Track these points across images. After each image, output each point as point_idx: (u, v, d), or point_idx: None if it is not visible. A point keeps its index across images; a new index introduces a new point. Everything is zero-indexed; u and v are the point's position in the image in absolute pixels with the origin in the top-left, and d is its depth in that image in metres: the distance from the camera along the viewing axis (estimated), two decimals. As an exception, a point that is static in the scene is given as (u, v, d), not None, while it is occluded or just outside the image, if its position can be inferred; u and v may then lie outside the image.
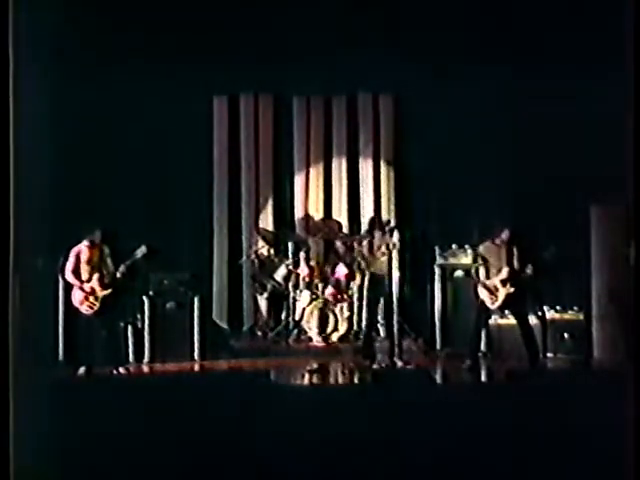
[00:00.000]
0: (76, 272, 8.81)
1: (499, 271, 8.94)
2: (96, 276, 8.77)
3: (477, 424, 6.02)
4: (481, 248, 9.20)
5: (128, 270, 8.85)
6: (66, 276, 8.89)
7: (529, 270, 8.86)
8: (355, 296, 10.84)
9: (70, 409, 6.05)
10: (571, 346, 9.71)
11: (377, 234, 9.69)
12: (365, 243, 10.11)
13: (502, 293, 8.93)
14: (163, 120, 11.00)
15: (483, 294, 9.01)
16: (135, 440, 5.82)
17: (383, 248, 9.56)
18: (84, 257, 8.82)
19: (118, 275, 8.80)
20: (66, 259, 8.89)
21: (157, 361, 9.79)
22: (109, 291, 8.78)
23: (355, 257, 11.06)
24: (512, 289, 8.89)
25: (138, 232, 9.73)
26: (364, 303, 10.39)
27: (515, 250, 8.96)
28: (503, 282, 8.91)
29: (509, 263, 8.92)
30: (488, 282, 8.99)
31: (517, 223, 9.30)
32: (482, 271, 9.08)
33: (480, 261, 9.12)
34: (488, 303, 9.00)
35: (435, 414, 6.23)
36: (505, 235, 9.02)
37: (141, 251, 8.84)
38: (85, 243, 8.85)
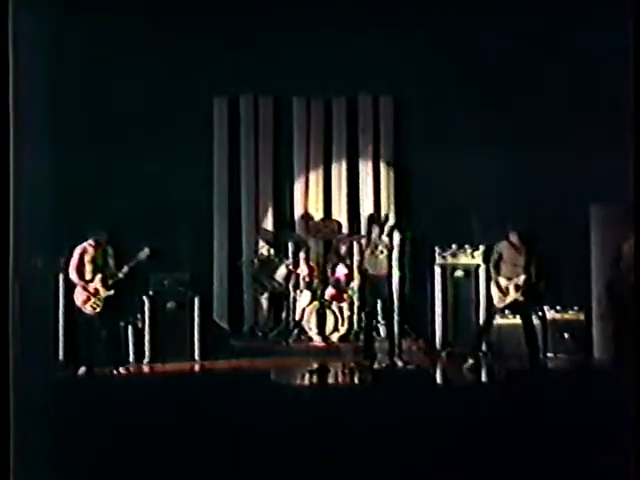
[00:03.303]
0: (79, 271, 8.79)
1: (515, 274, 8.94)
2: (99, 277, 8.76)
3: (477, 424, 6.02)
4: (498, 245, 9.20)
5: (131, 271, 8.85)
6: (70, 274, 8.86)
7: (542, 286, 8.88)
8: (355, 296, 10.85)
9: (70, 409, 6.05)
10: (571, 346, 9.71)
11: (374, 233, 9.68)
12: (363, 242, 10.10)
13: (511, 296, 8.96)
14: (163, 120, 11.00)
15: (493, 291, 9.05)
16: (135, 440, 5.82)
17: (381, 247, 9.56)
18: (88, 256, 8.80)
19: (121, 276, 8.79)
20: (70, 257, 8.87)
21: (157, 361, 9.78)
22: (112, 292, 8.77)
23: (354, 257, 11.07)
24: (522, 298, 8.92)
25: (138, 232, 9.73)
26: (364, 303, 10.38)
27: (534, 258, 8.94)
28: (517, 287, 8.94)
29: (527, 270, 8.92)
30: (502, 281, 9.02)
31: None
32: (493, 269, 9.13)
33: (496, 256, 9.14)
34: (495, 300, 9.05)
35: (435, 414, 6.23)
36: (513, 237, 9.04)
37: (144, 253, 8.84)
38: (90, 242, 8.83)
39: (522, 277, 8.91)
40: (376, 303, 10.01)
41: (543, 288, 9.01)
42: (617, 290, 8.87)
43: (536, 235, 9.22)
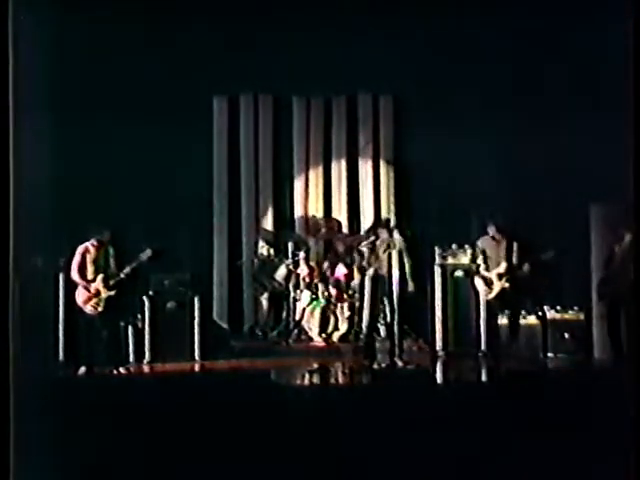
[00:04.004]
0: (81, 271, 8.78)
1: (498, 265, 9.19)
2: (100, 277, 8.76)
3: (477, 424, 6.01)
4: (480, 242, 9.46)
5: (132, 272, 8.85)
6: (71, 274, 8.86)
7: (526, 268, 9.03)
8: (356, 296, 10.83)
9: (70, 409, 6.05)
10: (571, 346, 9.71)
11: (382, 234, 9.70)
12: (367, 242, 10.10)
13: (497, 286, 9.18)
14: (164, 120, 10.99)
15: (480, 286, 9.29)
16: (135, 440, 5.82)
17: (385, 247, 9.57)
18: (90, 257, 8.79)
19: (122, 276, 8.79)
20: (71, 257, 8.86)
21: (157, 361, 9.78)
22: (113, 292, 8.77)
23: (355, 257, 11.06)
24: (507, 284, 9.10)
25: (138, 232, 9.74)
26: (365, 303, 10.39)
27: (515, 246, 9.14)
28: (499, 276, 9.16)
29: (508, 258, 9.10)
30: (485, 274, 9.27)
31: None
32: (482, 265, 9.37)
33: (480, 255, 9.30)
34: (482, 295, 9.32)
35: (435, 414, 6.23)
36: (492, 230, 9.26)
37: (146, 254, 8.84)
38: (92, 242, 8.83)
39: (503, 264, 9.15)
40: (376, 303, 10.01)
41: (527, 271, 9.15)
42: (613, 290, 8.89)
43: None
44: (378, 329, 10.56)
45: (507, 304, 9.31)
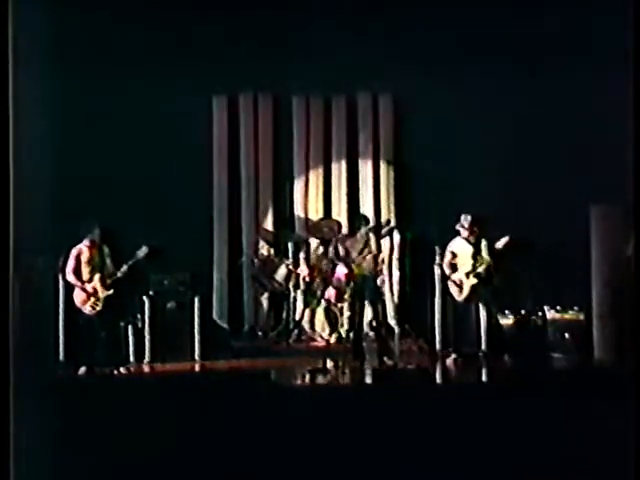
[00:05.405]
0: (77, 272, 8.80)
1: (470, 264, 9.37)
2: (97, 276, 8.77)
3: (477, 424, 6.02)
4: (451, 244, 9.55)
5: (130, 270, 8.86)
6: (67, 277, 8.88)
7: (501, 243, 9.27)
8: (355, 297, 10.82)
9: (70, 409, 6.05)
10: (571, 346, 9.71)
11: (359, 234, 9.63)
12: (348, 244, 10.04)
13: (467, 285, 9.33)
14: (163, 120, 10.99)
15: (452, 289, 9.45)
16: (135, 440, 5.82)
17: (366, 249, 9.56)
18: (84, 257, 8.81)
19: (119, 275, 8.80)
20: (66, 260, 8.89)
21: (157, 361, 9.78)
22: (111, 291, 8.78)
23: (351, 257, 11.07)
24: (475, 280, 9.27)
25: (138, 232, 9.72)
26: (356, 303, 10.39)
27: (483, 243, 9.36)
28: (467, 275, 9.32)
29: (474, 257, 9.30)
30: (454, 276, 9.40)
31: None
32: (449, 270, 9.47)
33: (449, 256, 9.44)
34: (456, 296, 9.42)
35: (435, 414, 6.23)
36: (464, 232, 9.43)
37: (142, 252, 8.85)
38: (85, 243, 8.86)
39: (470, 262, 9.33)
40: (364, 304, 9.97)
41: (503, 245, 9.34)
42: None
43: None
44: (377, 329, 10.55)
45: (482, 300, 9.39)
